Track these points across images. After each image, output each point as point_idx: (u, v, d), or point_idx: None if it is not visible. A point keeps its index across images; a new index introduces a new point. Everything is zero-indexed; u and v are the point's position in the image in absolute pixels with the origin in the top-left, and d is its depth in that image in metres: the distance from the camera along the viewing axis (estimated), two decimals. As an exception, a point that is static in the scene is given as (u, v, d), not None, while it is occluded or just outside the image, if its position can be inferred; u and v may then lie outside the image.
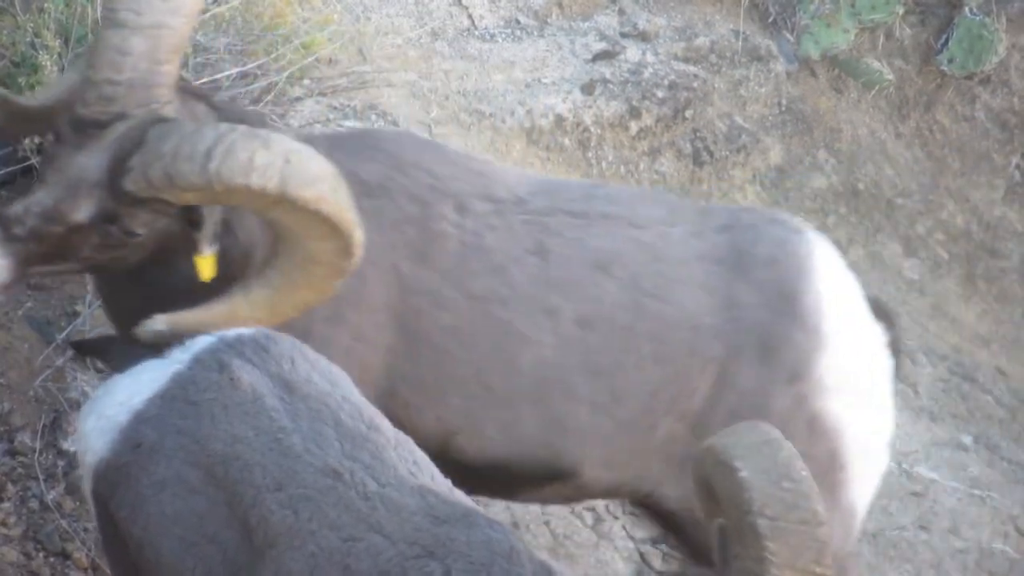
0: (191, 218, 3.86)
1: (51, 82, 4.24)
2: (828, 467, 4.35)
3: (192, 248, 3.90)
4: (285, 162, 3.62)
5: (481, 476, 4.38)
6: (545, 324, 4.29)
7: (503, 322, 4.28)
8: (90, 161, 3.78)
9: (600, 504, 5.93)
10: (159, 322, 3.78)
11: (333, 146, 4.19)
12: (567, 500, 4.75)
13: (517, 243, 4.31)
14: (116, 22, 3.76)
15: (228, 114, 4.05)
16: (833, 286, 4.45)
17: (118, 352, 3.90)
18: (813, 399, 4.36)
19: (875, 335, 4.53)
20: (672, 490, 4.44)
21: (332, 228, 3.71)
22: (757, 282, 4.39)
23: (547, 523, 5.94)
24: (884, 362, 4.56)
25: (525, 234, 4.33)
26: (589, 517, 6.04)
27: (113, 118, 3.78)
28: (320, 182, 3.66)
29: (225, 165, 3.59)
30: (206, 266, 3.89)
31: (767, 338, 4.35)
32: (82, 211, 3.78)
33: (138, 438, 3.51)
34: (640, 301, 4.33)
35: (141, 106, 3.79)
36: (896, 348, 4.60)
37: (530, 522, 5.92)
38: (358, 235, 3.75)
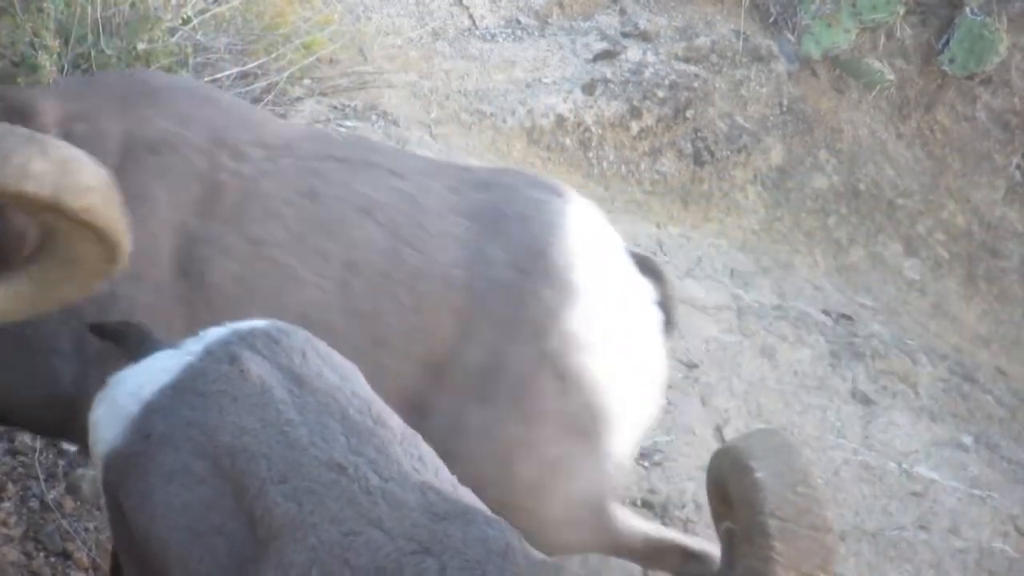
0: None
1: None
2: (584, 419, 4.37)
3: None
4: (60, 172, 3.54)
5: None
6: (317, 266, 4.32)
7: (281, 265, 4.30)
8: None
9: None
10: None
11: (106, 100, 4.24)
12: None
13: (290, 186, 4.34)
14: None
15: (9, 101, 4.04)
16: (586, 242, 4.46)
17: (135, 339, 3.92)
18: (564, 354, 4.36)
19: (638, 290, 4.54)
20: None
21: (100, 236, 3.66)
22: (507, 238, 4.42)
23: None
24: (649, 315, 4.55)
25: (297, 178, 4.36)
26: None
27: None
28: (92, 192, 3.60)
29: (0, 171, 3.52)
30: None
31: (512, 294, 4.37)
32: None
33: (148, 428, 3.54)
34: (398, 248, 4.37)
35: None
36: (668, 304, 4.60)
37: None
38: (125, 243, 3.71)
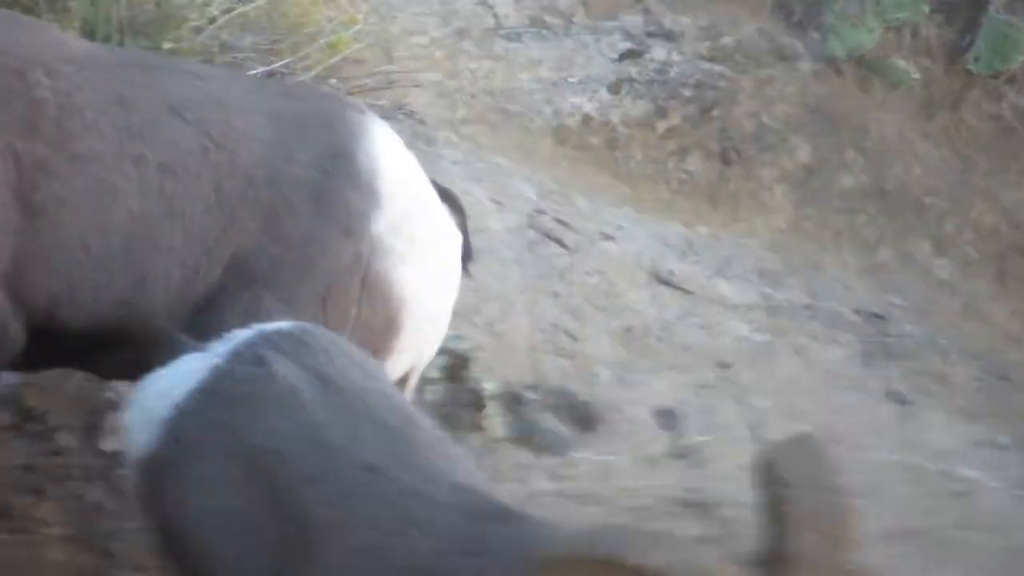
0: None
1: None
2: (384, 330, 4.41)
3: None
4: None
5: (74, 349, 4.38)
6: (133, 174, 4.27)
7: (100, 179, 4.24)
8: None
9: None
10: None
11: None
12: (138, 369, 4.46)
13: (102, 97, 4.28)
14: None
15: None
16: (388, 152, 4.50)
17: (166, 343, 3.88)
18: (370, 259, 4.40)
19: (438, 207, 4.59)
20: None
21: None
22: (311, 140, 4.43)
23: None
24: (449, 234, 4.62)
25: (106, 88, 4.30)
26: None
27: None
28: None
29: None
30: None
31: (319, 194, 4.40)
32: None
33: (179, 431, 3.50)
34: (207, 147, 4.35)
35: None
36: (465, 236, 4.68)
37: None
38: None
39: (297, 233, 4.35)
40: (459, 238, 4.65)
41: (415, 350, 4.55)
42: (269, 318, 4.11)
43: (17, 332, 4.25)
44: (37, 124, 4.18)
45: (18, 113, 4.17)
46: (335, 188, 4.39)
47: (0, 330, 4.23)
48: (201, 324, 4.20)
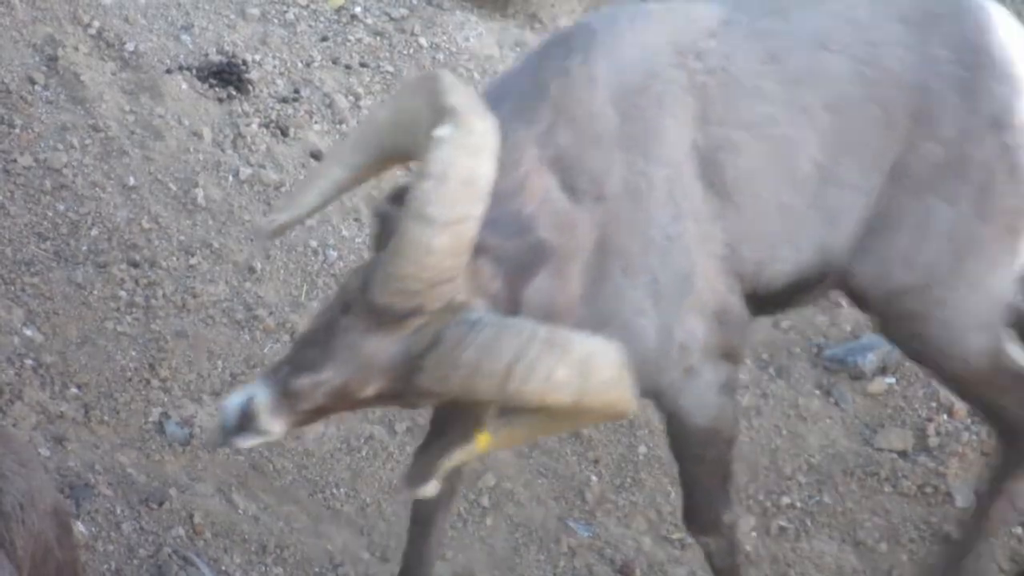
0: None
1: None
2: (1019, 215, 4.58)
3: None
4: (582, 377, 3.68)
5: (774, 299, 4.67)
6: (804, 122, 4.46)
7: (777, 139, 4.45)
8: (383, 348, 3.79)
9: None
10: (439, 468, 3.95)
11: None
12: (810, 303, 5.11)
13: (751, 59, 4.45)
14: (424, 218, 3.64)
15: (506, 261, 4.06)
16: (1015, 37, 4.60)
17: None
18: (1017, 148, 4.53)
19: None
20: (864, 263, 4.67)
21: (612, 414, 3.86)
22: (946, 37, 4.55)
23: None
24: None
25: (750, 48, 4.47)
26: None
27: (410, 312, 3.76)
28: (612, 387, 3.77)
29: (525, 385, 3.65)
30: (484, 439, 3.97)
31: (965, 89, 4.52)
32: (369, 390, 3.86)
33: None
34: (860, 71, 4.51)
35: (439, 302, 3.77)
36: None
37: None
38: (633, 406, 3.84)
39: (951, 131, 4.52)
40: None
41: None
42: (931, 221, 4.51)
43: (742, 310, 4.55)
44: (706, 109, 4.40)
45: (690, 106, 4.39)
46: (979, 81, 4.53)
47: (728, 314, 4.51)
48: (876, 244, 4.55)
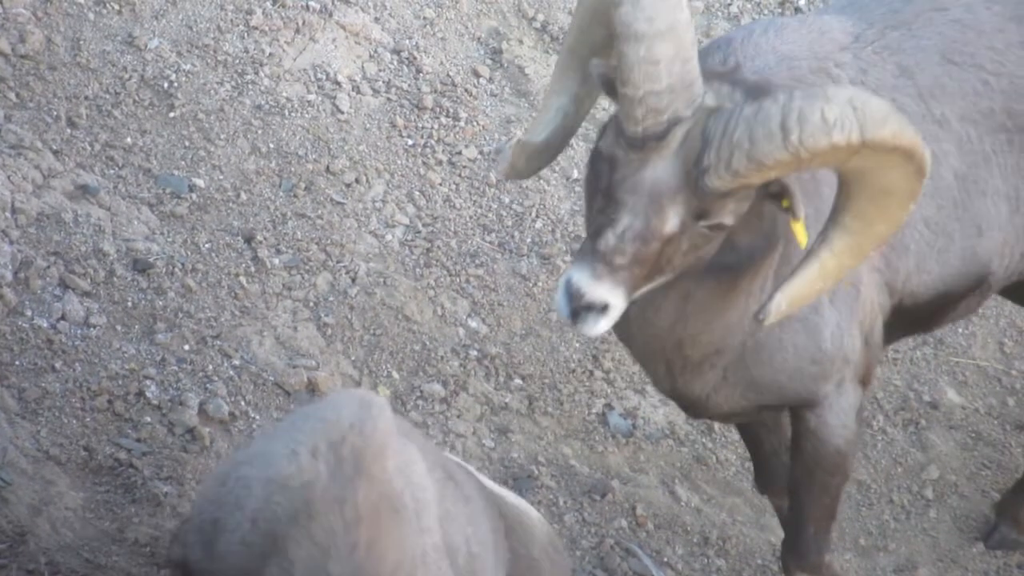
0: (771, 191, 4.06)
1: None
2: None
3: (759, 214, 4.15)
4: (853, 109, 3.82)
5: (921, 313, 4.70)
6: (942, 135, 4.50)
7: None
8: (661, 172, 3.96)
9: None
10: (778, 301, 4.04)
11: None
12: (968, 313, 4.97)
13: (885, 73, 4.51)
14: (634, 35, 3.93)
15: (747, 84, 4.14)
16: None
17: None
18: None
19: None
20: None
21: (907, 156, 3.90)
22: None
23: None
24: None
25: (883, 62, 4.52)
26: None
27: (668, 125, 3.95)
28: (890, 118, 3.86)
29: (805, 132, 3.81)
30: (800, 230, 4.08)
31: None
32: (671, 220, 3.98)
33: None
34: (986, 80, 4.55)
35: (688, 106, 3.96)
36: None
37: None
38: (928, 156, 3.94)
39: None
40: None
41: None
42: None
43: (881, 335, 4.65)
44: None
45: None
46: None
47: (874, 334, 4.62)
48: None
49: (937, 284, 4.61)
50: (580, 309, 3.98)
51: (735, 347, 4.44)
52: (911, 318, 4.70)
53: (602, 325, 4.01)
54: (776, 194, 4.06)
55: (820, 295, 4.16)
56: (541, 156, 4.42)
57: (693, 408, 4.72)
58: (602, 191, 4.04)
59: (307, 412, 3.60)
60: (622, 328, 4.43)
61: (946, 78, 4.52)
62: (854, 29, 4.56)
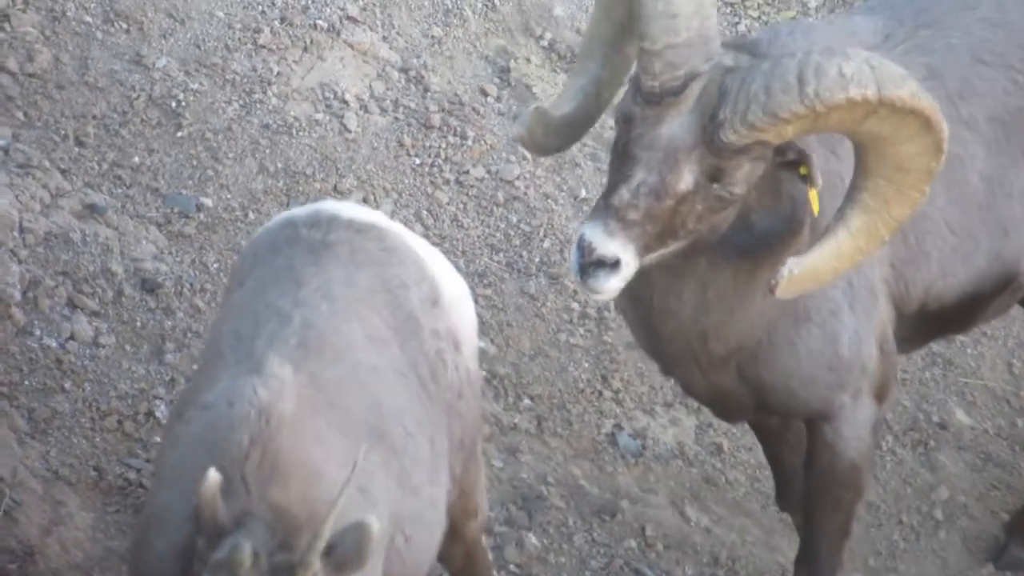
0: (789, 159, 4.05)
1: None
2: None
3: (778, 194, 4.14)
4: (871, 68, 3.85)
5: (949, 315, 4.67)
6: (970, 137, 4.49)
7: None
8: (678, 128, 3.98)
9: None
10: (790, 267, 4.00)
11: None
12: (1002, 312, 4.94)
13: (917, 74, 4.32)
14: None
15: (767, 55, 4.17)
16: None
17: None
18: None
19: None
20: None
21: (925, 124, 3.91)
22: None
23: None
24: None
25: (913, 64, 4.39)
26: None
27: (685, 80, 3.98)
28: (907, 79, 3.88)
29: (821, 85, 3.84)
30: (815, 198, 4.08)
31: None
32: (686, 178, 3.98)
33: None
34: (1016, 79, 4.54)
35: (707, 61, 3.99)
36: None
37: None
38: (946, 129, 3.95)
39: None
40: None
41: None
42: None
43: (894, 344, 4.60)
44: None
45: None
46: None
47: (887, 343, 4.59)
48: None
49: (964, 286, 4.59)
50: (590, 265, 3.95)
51: (756, 346, 4.42)
52: (941, 320, 4.69)
53: (613, 283, 3.98)
54: (794, 162, 4.06)
55: (834, 277, 4.12)
56: (559, 133, 4.38)
57: (727, 411, 4.73)
58: (619, 150, 4.06)
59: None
60: (647, 336, 4.46)
61: (976, 78, 4.52)
62: (884, 29, 4.56)
